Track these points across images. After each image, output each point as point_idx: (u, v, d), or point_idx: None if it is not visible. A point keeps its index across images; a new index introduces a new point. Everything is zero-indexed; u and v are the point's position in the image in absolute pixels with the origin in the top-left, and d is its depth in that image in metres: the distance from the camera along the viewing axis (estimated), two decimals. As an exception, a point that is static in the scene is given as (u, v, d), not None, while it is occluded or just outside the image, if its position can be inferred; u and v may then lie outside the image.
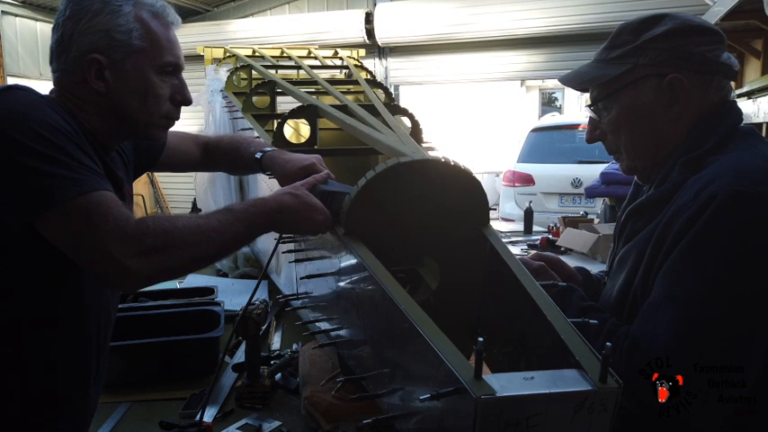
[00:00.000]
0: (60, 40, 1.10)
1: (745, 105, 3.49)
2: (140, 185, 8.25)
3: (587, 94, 1.26)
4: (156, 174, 8.35)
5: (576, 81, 1.24)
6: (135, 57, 1.11)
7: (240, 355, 1.98)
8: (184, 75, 1.21)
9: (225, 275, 3.06)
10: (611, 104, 1.17)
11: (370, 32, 6.75)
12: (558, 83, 1.44)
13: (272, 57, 3.82)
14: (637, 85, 1.13)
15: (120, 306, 2.22)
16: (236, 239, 1.10)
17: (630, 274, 1.12)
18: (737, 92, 3.91)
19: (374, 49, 6.98)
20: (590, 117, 1.23)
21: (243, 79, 3.21)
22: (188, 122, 7.98)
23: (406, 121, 2.21)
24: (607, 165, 4.32)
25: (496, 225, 4.98)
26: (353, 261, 1.12)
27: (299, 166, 1.36)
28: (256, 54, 3.78)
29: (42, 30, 7.78)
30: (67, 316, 1.13)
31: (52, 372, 1.13)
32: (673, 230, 1.03)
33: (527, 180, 6.23)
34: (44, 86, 1.13)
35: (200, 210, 3.82)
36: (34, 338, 1.09)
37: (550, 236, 3.67)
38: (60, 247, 1.00)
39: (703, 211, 0.98)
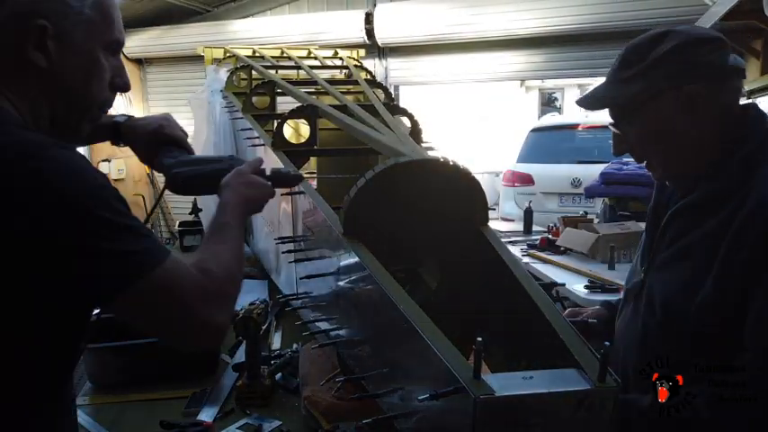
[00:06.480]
0: None
1: (745, 105, 3.48)
2: (141, 185, 8.25)
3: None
4: (156, 173, 8.34)
5: (598, 102, 1.26)
6: (86, 28, 0.92)
7: (240, 355, 1.98)
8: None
9: (225, 275, 3.05)
10: (634, 120, 1.20)
11: (370, 33, 6.73)
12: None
13: (272, 57, 3.83)
14: (656, 100, 1.15)
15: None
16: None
17: (696, 276, 1.11)
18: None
19: (374, 49, 6.96)
20: (614, 133, 1.26)
21: (243, 79, 3.21)
22: (188, 122, 8.01)
23: (406, 121, 2.21)
24: (607, 165, 4.31)
25: (496, 225, 4.98)
26: (353, 261, 1.12)
27: (149, 131, 1.28)
28: (256, 54, 3.78)
29: None
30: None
31: None
32: (750, 238, 1.03)
33: (527, 180, 6.22)
34: None
35: (200, 210, 3.81)
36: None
37: (550, 236, 3.66)
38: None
39: None
